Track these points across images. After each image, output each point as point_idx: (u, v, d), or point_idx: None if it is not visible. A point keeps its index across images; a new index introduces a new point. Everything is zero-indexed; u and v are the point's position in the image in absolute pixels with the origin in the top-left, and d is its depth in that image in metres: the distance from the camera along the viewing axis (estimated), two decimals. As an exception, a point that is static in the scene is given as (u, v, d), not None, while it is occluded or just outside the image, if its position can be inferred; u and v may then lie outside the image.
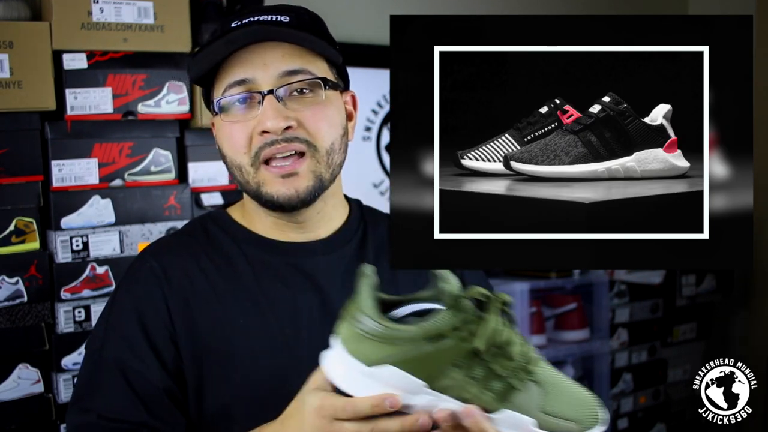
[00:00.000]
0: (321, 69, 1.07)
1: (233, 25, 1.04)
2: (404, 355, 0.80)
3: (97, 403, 1.01)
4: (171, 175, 1.83)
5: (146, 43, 1.77)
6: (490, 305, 0.82)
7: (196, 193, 1.86)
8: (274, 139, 1.02)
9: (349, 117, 1.14)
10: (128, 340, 1.03)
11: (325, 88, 1.06)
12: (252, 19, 1.04)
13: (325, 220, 1.13)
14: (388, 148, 2.55)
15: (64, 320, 1.68)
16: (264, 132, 1.02)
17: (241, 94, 1.04)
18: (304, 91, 1.05)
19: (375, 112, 2.49)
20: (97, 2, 1.71)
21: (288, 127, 1.02)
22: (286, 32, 1.03)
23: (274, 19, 1.04)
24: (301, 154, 1.04)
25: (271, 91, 1.02)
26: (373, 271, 0.85)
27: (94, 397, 1.02)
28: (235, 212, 1.15)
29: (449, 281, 0.83)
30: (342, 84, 1.12)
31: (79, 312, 1.70)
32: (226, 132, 1.06)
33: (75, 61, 1.70)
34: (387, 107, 2.53)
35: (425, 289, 0.86)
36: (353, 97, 1.16)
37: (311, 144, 1.04)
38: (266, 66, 1.03)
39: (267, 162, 1.04)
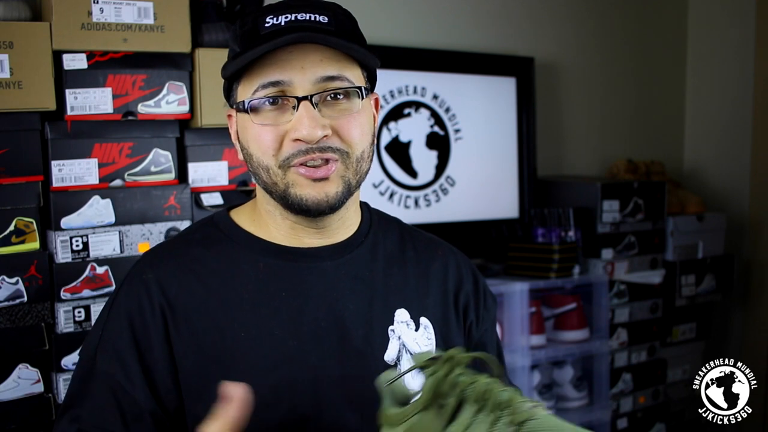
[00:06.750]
0: (356, 75, 1.04)
1: (269, 22, 1.00)
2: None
3: (83, 412, 1.00)
4: (171, 176, 1.83)
5: (146, 43, 1.77)
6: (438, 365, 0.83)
7: (195, 193, 1.86)
8: (309, 147, 0.99)
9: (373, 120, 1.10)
10: (119, 354, 1.01)
11: (361, 97, 1.02)
12: (290, 17, 0.99)
13: (345, 227, 1.10)
14: (387, 148, 2.55)
15: (64, 320, 1.68)
16: (297, 139, 0.99)
17: (273, 96, 1.00)
18: (338, 96, 1.01)
19: (375, 112, 2.49)
20: (97, 2, 1.71)
21: (323, 136, 0.99)
22: (328, 39, 0.98)
23: (312, 18, 1.00)
24: (333, 160, 1.01)
25: (306, 97, 0.99)
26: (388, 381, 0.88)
27: (83, 404, 1.01)
28: (239, 216, 1.12)
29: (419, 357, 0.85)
30: (372, 88, 1.09)
31: (79, 312, 1.70)
32: (254, 133, 1.02)
33: (75, 61, 1.70)
34: (387, 107, 2.53)
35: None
36: (376, 100, 1.13)
37: (344, 152, 1.01)
38: (304, 70, 0.99)
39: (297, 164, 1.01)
